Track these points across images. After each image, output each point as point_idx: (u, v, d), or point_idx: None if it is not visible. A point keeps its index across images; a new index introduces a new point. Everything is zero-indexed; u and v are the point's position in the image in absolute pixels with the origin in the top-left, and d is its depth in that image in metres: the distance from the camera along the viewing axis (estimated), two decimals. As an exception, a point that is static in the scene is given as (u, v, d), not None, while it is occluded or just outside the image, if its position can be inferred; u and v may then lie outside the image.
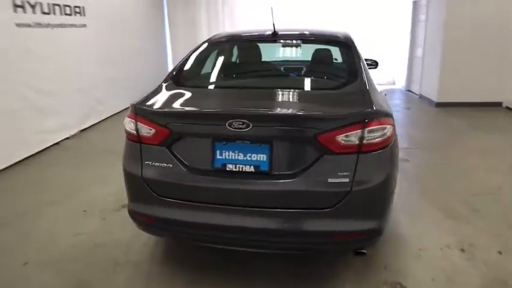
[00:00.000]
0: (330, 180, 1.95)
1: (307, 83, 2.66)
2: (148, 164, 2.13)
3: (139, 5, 8.18)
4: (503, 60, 6.75)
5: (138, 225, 2.39)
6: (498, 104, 6.94)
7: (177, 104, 2.24)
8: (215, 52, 3.06)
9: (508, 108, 6.83)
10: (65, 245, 2.86)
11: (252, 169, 2.02)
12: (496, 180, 3.92)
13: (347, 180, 1.95)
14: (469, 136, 5.54)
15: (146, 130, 2.13)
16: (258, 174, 2.02)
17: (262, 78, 2.82)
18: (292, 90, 2.40)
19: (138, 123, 2.14)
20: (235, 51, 3.13)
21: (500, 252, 2.67)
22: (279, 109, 2.11)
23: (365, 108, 2.02)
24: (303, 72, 2.79)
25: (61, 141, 5.29)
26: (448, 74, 6.98)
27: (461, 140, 5.33)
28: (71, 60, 5.49)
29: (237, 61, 3.29)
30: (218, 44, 3.10)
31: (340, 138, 1.93)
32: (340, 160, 1.96)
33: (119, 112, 7.08)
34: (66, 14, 5.27)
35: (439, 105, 7.10)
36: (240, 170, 2.03)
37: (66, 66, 5.36)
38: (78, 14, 5.59)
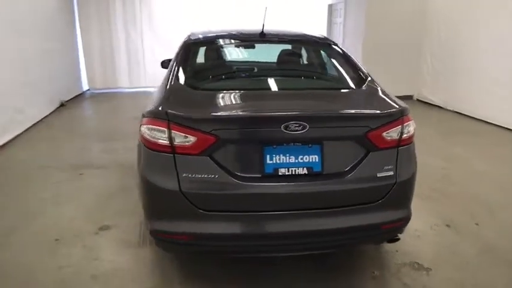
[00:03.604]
0: (378, 174, 2.05)
1: (328, 83, 2.69)
2: (187, 176, 1.93)
3: (46, 2, 7.18)
4: (414, 58, 7.74)
5: (166, 246, 2.15)
6: (410, 97, 7.95)
7: (217, 109, 2.06)
8: (212, 52, 2.90)
9: (418, 100, 7.88)
10: (52, 282, 2.41)
11: (305, 171, 1.99)
12: (439, 163, 4.50)
13: (392, 173, 2.07)
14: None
15: (183, 139, 1.92)
16: (312, 175, 2.00)
17: (281, 80, 2.75)
18: (320, 90, 2.41)
19: (173, 131, 1.92)
20: (233, 51, 3.00)
21: (477, 224, 3.10)
22: (332, 109, 2.11)
23: (398, 105, 2.15)
24: (313, 72, 2.82)
25: (-20, 160, 4.42)
26: (369, 72, 7.70)
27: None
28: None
29: (242, 61, 3.16)
30: (211, 44, 2.94)
31: (385, 134, 2.04)
32: (385, 155, 2.07)
33: (39, 121, 6.18)
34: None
35: (363, 100, 7.83)
36: (293, 173, 1.98)
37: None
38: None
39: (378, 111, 2.07)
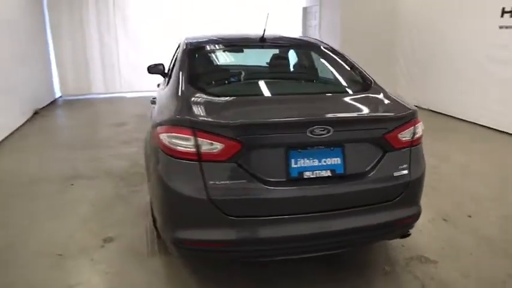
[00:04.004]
0: (395, 174, 2.15)
1: (338, 87, 2.75)
2: (214, 183, 1.93)
3: (15, 7, 6.84)
4: (388, 58, 8.05)
5: (190, 254, 2.13)
6: (386, 97, 8.26)
7: (242, 115, 2.07)
8: (218, 58, 2.91)
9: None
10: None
11: (328, 173, 2.05)
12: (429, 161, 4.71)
13: (406, 172, 2.18)
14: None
15: (210, 146, 1.92)
16: (335, 177, 2.06)
17: (294, 84, 2.78)
18: (333, 94, 2.48)
19: (199, 139, 1.91)
20: (239, 56, 3.02)
21: (470, 216, 3.29)
22: (354, 113, 2.19)
23: (410, 108, 2.26)
24: (322, 76, 2.88)
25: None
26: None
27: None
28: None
29: (250, 66, 3.18)
30: (215, 49, 2.96)
31: (400, 135, 2.14)
32: (399, 155, 2.17)
33: (15, 130, 5.90)
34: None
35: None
36: (317, 176, 2.04)
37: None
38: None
39: (395, 114, 2.17)
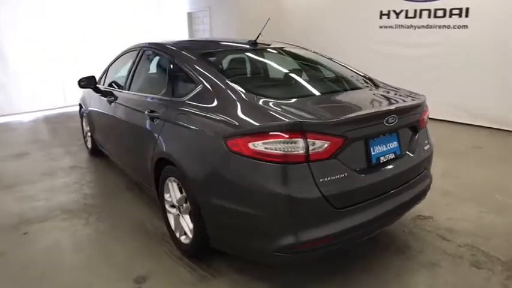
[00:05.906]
0: (425, 148, 2.65)
1: (360, 83, 2.98)
2: (324, 180, 2.03)
3: None
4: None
5: (298, 257, 2.15)
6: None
7: (335, 113, 2.20)
8: (237, 63, 2.92)
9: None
10: None
11: (392, 156, 2.40)
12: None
13: (429, 146, 2.72)
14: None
15: (317, 145, 2.01)
16: (397, 158, 2.43)
17: (330, 82, 2.96)
18: (366, 89, 2.82)
19: (309, 140, 1.99)
20: (253, 60, 3.07)
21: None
22: (406, 102, 2.53)
23: (421, 94, 2.77)
24: (341, 74, 3.10)
25: None
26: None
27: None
28: None
29: (274, 69, 3.19)
30: (231, 55, 2.99)
31: (425, 117, 2.66)
32: (423, 133, 2.70)
33: None
34: None
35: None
36: (387, 159, 2.37)
37: None
38: None
39: (423, 100, 2.65)
